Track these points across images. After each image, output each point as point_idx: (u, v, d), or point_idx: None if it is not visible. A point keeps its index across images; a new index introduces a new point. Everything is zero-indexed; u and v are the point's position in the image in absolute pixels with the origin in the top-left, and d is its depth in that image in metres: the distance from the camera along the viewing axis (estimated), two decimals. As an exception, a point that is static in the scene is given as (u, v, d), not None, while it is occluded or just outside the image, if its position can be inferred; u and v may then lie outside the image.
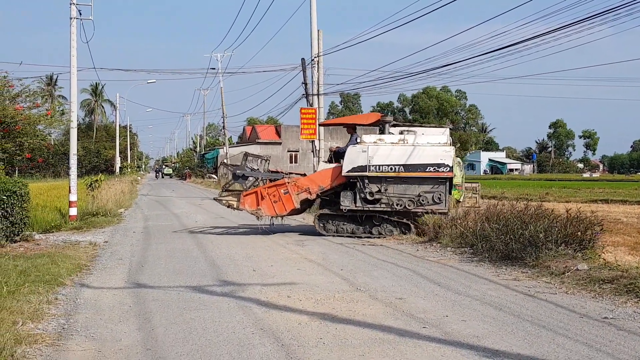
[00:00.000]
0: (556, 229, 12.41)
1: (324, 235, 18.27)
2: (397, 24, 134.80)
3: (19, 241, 15.90)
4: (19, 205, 15.68)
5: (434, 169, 17.27)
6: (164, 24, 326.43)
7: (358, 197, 18.03)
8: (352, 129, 20.15)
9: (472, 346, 7.06)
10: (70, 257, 13.11)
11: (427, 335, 7.50)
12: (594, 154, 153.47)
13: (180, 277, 11.52)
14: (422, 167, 17.39)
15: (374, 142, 18.10)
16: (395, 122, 19.70)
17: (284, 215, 19.43)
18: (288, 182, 18.90)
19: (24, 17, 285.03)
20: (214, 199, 21.68)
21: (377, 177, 17.86)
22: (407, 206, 17.61)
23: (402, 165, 17.63)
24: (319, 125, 30.15)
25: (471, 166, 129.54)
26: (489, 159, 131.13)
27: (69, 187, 23.42)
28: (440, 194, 17.36)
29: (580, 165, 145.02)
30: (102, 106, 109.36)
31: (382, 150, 17.95)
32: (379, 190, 17.89)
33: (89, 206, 25.71)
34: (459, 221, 15.83)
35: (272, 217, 19.42)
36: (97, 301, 9.52)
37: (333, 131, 66.25)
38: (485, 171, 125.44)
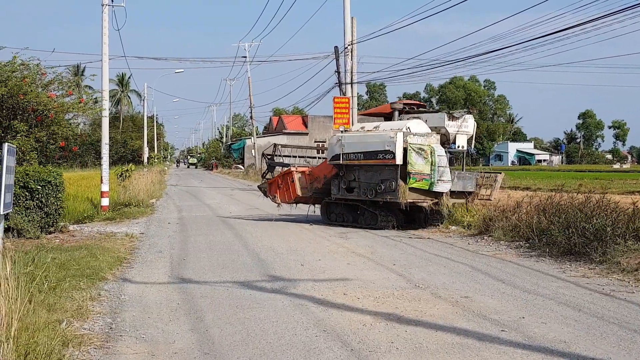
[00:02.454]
0: (622, 222, 11.66)
1: (327, 223, 18.69)
2: (426, 14, 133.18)
3: (54, 232, 15.44)
4: (54, 195, 15.22)
5: (382, 156, 16.76)
6: (190, 14, 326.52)
7: (340, 185, 18.24)
8: (389, 118, 19.85)
9: (563, 353, 6.38)
10: (108, 250, 12.59)
11: (509, 340, 6.82)
12: (623, 144, 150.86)
13: (226, 271, 10.92)
14: (374, 154, 17.02)
15: (348, 131, 18.48)
16: (408, 110, 18.91)
17: (291, 202, 20.15)
18: (294, 171, 19.47)
19: (55, 6, 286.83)
20: (257, 186, 22.94)
21: (350, 166, 17.86)
22: (368, 195, 17.35)
23: (362, 153, 17.38)
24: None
25: (499, 157, 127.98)
26: (517, 150, 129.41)
27: (101, 177, 23.04)
28: (392, 183, 16.73)
29: (609, 156, 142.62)
30: (129, 96, 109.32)
31: (351, 139, 17.88)
32: (354, 179, 17.79)
33: (120, 196, 25.34)
34: (509, 214, 15.11)
35: (286, 203, 20.39)
36: (142, 297, 8.96)
37: (361, 121, 65.48)
38: (513, 162, 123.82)
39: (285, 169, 20.26)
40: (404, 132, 16.80)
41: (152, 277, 10.44)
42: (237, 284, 9.83)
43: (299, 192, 19.20)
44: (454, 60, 26.77)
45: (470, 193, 17.33)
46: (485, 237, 14.88)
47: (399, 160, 16.40)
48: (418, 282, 9.95)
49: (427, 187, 16.58)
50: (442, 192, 16.76)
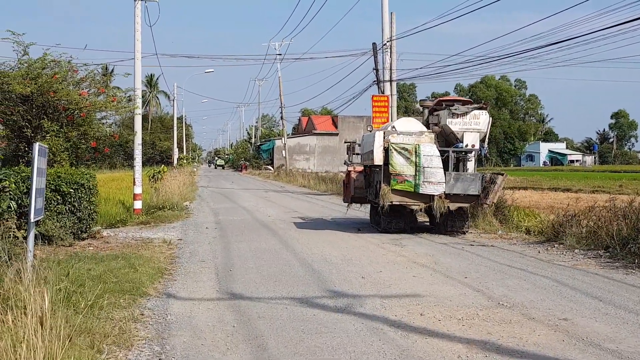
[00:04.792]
0: None
1: (373, 226, 17.86)
2: (459, 13, 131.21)
3: (87, 238, 14.41)
4: (87, 199, 14.19)
5: (370, 156, 16.02)
6: (219, 12, 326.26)
7: (365, 186, 18.08)
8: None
9: None
10: (147, 259, 11.48)
11: (646, 380, 5.59)
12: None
13: (279, 285, 9.77)
14: (368, 154, 16.36)
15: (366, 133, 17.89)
16: (434, 107, 17.44)
17: (348, 202, 19.57)
18: (352, 171, 18.92)
19: (88, 6, 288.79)
20: None
21: (369, 166, 17.36)
22: (374, 197, 16.73)
23: (366, 153, 16.76)
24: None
25: (530, 157, 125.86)
26: (549, 150, 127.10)
27: (134, 178, 22.07)
28: (378, 184, 15.98)
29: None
30: (157, 97, 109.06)
31: (364, 140, 17.58)
32: (372, 180, 17.21)
33: (153, 199, 24.36)
34: (581, 218, 13.83)
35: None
36: (191, 318, 7.83)
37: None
38: (545, 162, 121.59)
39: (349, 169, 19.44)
40: (385, 132, 15.88)
41: (198, 292, 9.31)
42: (295, 301, 8.67)
43: (352, 192, 18.68)
44: (504, 55, 25.41)
45: (476, 196, 15.52)
46: (555, 245, 13.59)
47: (377, 160, 15.64)
48: (501, 300, 8.73)
49: (411, 189, 15.32)
50: (433, 195, 15.27)
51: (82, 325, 6.72)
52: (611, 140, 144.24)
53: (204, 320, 7.68)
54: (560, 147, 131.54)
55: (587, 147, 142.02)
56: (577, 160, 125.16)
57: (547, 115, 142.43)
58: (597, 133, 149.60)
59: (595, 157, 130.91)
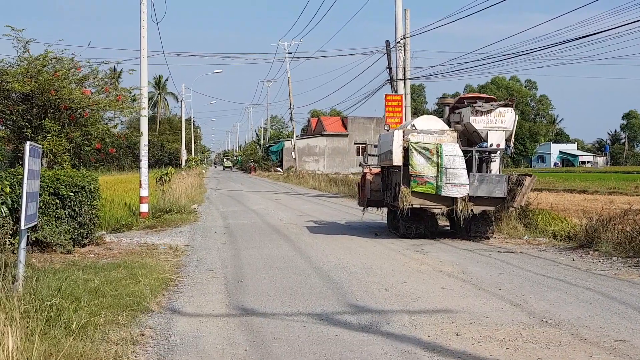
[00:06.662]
0: None
1: (391, 230, 17.03)
2: (478, 8, 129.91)
3: (88, 245, 13.53)
4: (88, 203, 13.31)
5: (389, 156, 15.11)
6: (227, 14, 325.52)
7: (382, 188, 17.30)
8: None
9: None
10: (151, 269, 10.58)
11: None
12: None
13: (295, 299, 8.86)
14: (386, 155, 15.54)
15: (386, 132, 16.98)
16: (455, 104, 16.43)
17: (364, 205, 18.51)
18: (367, 173, 18.08)
19: (93, 7, 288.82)
20: None
21: (386, 167, 16.63)
22: (391, 199, 15.95)
23: (384, 153, 15.97)
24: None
25: (541, 158, 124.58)
26: (560, 151, 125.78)
27: (140, 181, 21.22)
28: (397, 186, 15.05)
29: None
30: (165, 99, 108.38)
31: (382, 139, 16.74)
32: (390, 182, 16.34)
33: (160, 202, 23.55)
34: (616, 222, 12.89)
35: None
36: (197, 338, 6.93)
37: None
38: (555, 164, 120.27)
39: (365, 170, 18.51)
40: (404, 130, 15.00)
41: (206, 307, 8.42)
42: (314, 318, 7.76)
43: (368, 195, 17.68)
44: (520, 52, 24.45)
45: (502, 199, 14.48)
46: (590, 252, 12.63)
47: (396, 161, 14.72)
48: (543, 316, 7.80)
49: (433, 192, 14.30)
50: (456, 198, 14.31)
51: (73, 350, 5.86)
52: (623, 141, 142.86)
53: (211, 342, 6.78)
54: (571, 148, 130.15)
55: (598, 148, 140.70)
56: (588, 162, 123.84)
57: (557, 116, 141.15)
58: (609, 134, 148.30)
59: (607, 158, 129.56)
